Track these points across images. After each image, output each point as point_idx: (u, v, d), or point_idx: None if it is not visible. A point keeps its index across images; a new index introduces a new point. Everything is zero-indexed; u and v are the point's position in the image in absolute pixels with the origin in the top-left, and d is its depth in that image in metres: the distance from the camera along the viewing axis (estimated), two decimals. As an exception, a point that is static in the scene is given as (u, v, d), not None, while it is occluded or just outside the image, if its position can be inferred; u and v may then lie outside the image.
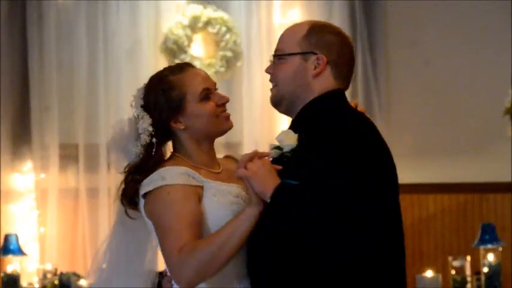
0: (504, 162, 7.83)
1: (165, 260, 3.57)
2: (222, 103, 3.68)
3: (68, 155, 8.07)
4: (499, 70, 7.58)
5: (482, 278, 6.97)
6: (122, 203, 3.67)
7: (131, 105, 3.72)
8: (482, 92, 7.73)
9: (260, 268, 3.69)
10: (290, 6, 8.16)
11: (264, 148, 7.45)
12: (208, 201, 3.57)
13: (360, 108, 3.85)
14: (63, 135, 8.07)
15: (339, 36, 3.73)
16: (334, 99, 3.67)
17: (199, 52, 8.01)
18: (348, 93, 8.41)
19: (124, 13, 8.09)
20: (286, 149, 3.56)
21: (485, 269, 6.96)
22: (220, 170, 3.75)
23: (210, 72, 7.76)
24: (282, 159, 3.60)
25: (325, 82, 3.61)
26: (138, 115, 3.65)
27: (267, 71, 3.76)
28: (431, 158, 8.24)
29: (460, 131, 7.98)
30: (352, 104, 3.78)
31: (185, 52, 8.02)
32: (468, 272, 7.00)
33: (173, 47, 7.92)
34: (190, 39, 7.97)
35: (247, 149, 7.96)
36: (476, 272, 7.00)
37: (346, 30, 7.84)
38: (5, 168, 7.56)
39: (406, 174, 7.90)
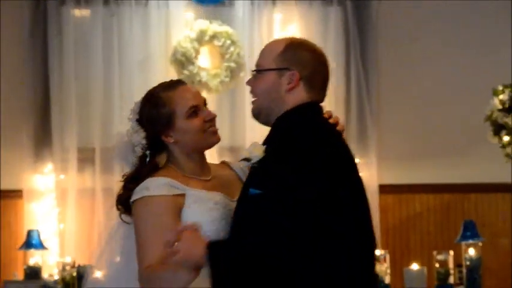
0: (484, 164, 7.82)
1: (138, 269, 3.58)
2: (210, 119, 3.68)
3: (86, 158, 8.06)
4: (481, 81, 7.54)
5: (464, 270, 6.97)
6: (118, 208, 3.68)
7: (128, 119, 3.73)
8: (465, 100, 7.70)
9: (235, 281, 3.58)
10: (289, 20, 8.09)
11: None
12: (188, 209, 3.56)
13: (334, 118, 3.77)
14: (81, 139, 8.03)
15: (313, 53, 3.69)
16: (305, 111, 3.62)
17: (205, 63, 7.92)
18: (341, 99, 8.34)
19: (137, 27, 7.99)
20: (254, 160, 3.55)
21: (467, 263, 6.96)
22: (209, 178, 3.73)
23: (215, 81, 8.09)
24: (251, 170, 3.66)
25: (298, 96, 3.57)
26: (133, 128, 3.66)
27: (247, 83, 3.74)
28: (418, 161, 8.18)
29: (445, 136, 7.96)
30: (326, 114, 3.72)
31: (193, 63, 7.91)
32: (451, 265, 6.98)
33: (182, 59, 7.83)
34: (197, 52, 7.87)
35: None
36: (458, 265, 6.99)
37: (340, 41, 8.47)
38: (28, 169, 7.60)
39: (394, 176, 8.10)
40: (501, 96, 7.15)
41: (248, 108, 7.56)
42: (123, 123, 4.00)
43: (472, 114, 7.42)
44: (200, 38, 7.96)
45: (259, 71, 3.68)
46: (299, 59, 3.62)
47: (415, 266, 7.11)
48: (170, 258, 3.35)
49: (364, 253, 3.52)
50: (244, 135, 8.19)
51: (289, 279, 3.44)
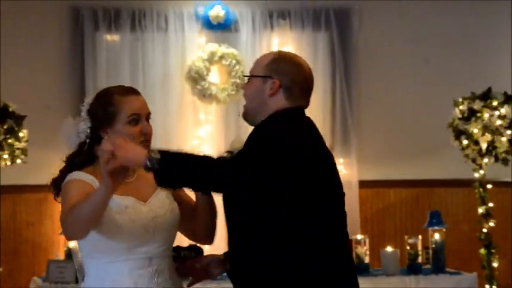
0: (447, 163, 7.74)
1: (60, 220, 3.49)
2: (145, 132, 3.57)
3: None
4: (444, 93, 7.52)
5: (430, 252, 6.99)
6: (52, 190, 3.58)
7: (82, 107, 3.63)
8: (432, 110, 7.69)
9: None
10: (284, 44, 8.02)
11: None
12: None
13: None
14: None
15: (295, 65, 3.67)
16: (284, 117, 3.58)
17: (215, 79, 7.88)
18: (328, 109, 8.41)
19: (158, 50, 7.95)
20: (235, 152, 3.54)
21: (433, 245, 6.98)
22: (132, 180, 3.58)
23: (223, 94, 8.02)
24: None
25: (278, 102, 3.56)
26: (82, 116, 3.56)
27: (241, 87, 3.80)
28: (392, 160, 8.16)
29: (415, 139, 7.96)
30: None
31: (204, 80, 7.84)
32: (420, 247, 6.96)
33: (195, 76, 7.79)
34: (208, 70, 7.82)
35: None
36: (425, 247, 7.00)
37: (327, 60, 8.37)
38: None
39: (372, 173, 8.50)
40: (461, 107, 7.18)
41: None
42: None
43: (438, 121, 7.41)
44: (211, 59, 7.90)
45: (248, 76, 3.70)
46: (281, 69, 3.60)
47: (389, 249, 7.08)
48: (110, 161, 3.23)
49: (339, 254, 3.52)
50: (245, 138, 8.01)
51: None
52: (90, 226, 3.36)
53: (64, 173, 3.56)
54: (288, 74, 3.60)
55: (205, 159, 3.51)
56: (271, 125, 3.57)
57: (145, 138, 3.51)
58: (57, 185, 3.55)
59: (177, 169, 3.34)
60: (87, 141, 3.53)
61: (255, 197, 3.45)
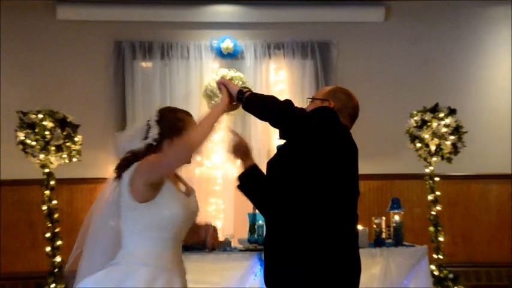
0: (405, 161, 7.68)
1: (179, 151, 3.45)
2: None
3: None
4: (404, 108, 7.45)
5: (392, 229, 6.95)
6: (116, 172, 3.50)
7: (151, 118, 3.58)
8: (393, 121, 7.59)
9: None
10: (279, 69, 8.13)
11: (263, 153, 7.94)
12: (164, 189, 3.39)
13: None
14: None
15: (348, 96, 3.76)
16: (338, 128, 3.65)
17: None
18: None
19: (182, 73, 7.98)
20: (279, 147, 3.72)
21: (393, 224, 6.94)
22: (181, 180, 3.61)
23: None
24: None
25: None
26: (151, 125, 3.49)
27: (306, 107, 3.79)
28: (363, 159, 7.39)
29: (381, 143, 7.97)
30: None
31: (217, 96, 7.62)
32: (383, 226, 6.93)
33: (210, 94, 7.87)
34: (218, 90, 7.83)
35: (257, 156, 7.96)
36: (388, 226, 6.96)
37: (312, 81, 8.21)
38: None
39: None
40: (415, 118, 7.21)
41: (253, 125, 8.06)
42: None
43: (397, 129, 7.37)
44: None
45: (311, 99, 3.79)
46: (337, 96, 3.69)
47: (360, 227, 6.75)
48: (222, 88, 3.45)
49: (350, 226, 3.55)
50: (250, 141, 7.33)
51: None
52: (208, 136, 3.42)
53: (129, 162, 3.48)
54: (341, 100, 3.69)
55: (280, 101, 3.52)
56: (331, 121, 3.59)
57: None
58: (120, 170, 3.47)
59: (258, 101, 3.44)
60: (154, 143, 3.47)
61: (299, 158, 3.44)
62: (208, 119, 3.39)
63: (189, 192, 3.55)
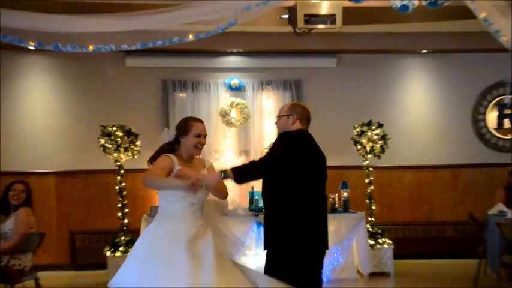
0: (351, 157, 7.61)
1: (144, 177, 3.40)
2: (201, 143, 3.53)
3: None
4: (351, 122, 7.46)
5: (342, 202, 6.97)
6: (150, 161, 3.51)
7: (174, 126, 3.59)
8: (344, 130, 7.53)
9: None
10: (269, 97, 8.11)
11: (258, 152, 7.84)
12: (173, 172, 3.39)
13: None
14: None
15: (303, 108, 3.75)
16: (301, 132, 3.65)
17: (234, 115, 7.96)
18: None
19: (205, 100, 7.97)
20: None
21: (343, 198, 7.02)
22: (191, 165, 3.52)
23: (237, 123, 7.95)
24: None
25: (297, 126, 3.66)
26: (173, 130, 3.57)
27: (275, 122, 3.79)
28: (325, 155, 7.95)
29: (336, 145, 7.56)
30: None
31: (228, 115, 7.92)
32: (336, 199, 7.01)
33: (223, 114, 7.96)
34: (230, 111, 7.94)
35: (253, 154, 7.93)
36: (339, 199, 7.02)
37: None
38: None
39: None
40: (357, 129, 7.33)
41: (252, 134, 8.07)
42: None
43: (346, 137, 7.43)
44: (231, 105, 7.97)
45: (279, 116, 3.75)
46: (297, 110, 3.68)
47: None
48: (197, 187, 3.23)
49: (319, 203, 3.59)
50: (250, 146, 8.06)
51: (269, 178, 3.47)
52: (156, 187, 3.47)
53: (157, 154, 3.51)
54: (299, 112, 3.68)
55: (251, 163, 3.53)
56: (287, 136, 3.58)
57: (200, 146, 3.53)
58: (152, 159, 3.51)
59: (241, 173, 3.38)
60: (172, 140, 3.53)
61: (277, 174, 3.42)
62: (165, 182, 3.32)
63: (198, 169, 3.47)
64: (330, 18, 5.93)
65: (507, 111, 8.50)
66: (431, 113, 8.45)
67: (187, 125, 3.53)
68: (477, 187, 8.26)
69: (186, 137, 3.49)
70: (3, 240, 5.00)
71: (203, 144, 3.55)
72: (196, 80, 8.01)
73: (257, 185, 7.53)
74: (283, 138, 3.53)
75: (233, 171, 3.34)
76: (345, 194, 7.13)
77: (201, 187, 3.30)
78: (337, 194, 7.11)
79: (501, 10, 4.43)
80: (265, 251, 3.58)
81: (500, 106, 8.48)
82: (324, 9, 5.98)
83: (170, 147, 3.50)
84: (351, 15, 6.06)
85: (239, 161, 7.91)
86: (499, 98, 8.50)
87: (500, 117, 8.49)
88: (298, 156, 3.47)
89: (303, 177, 3.48)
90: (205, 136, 3.58)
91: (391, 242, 7.30)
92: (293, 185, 3.46)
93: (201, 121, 3.61)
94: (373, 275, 6.97)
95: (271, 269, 3.47)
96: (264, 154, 8.16)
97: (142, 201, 7.41)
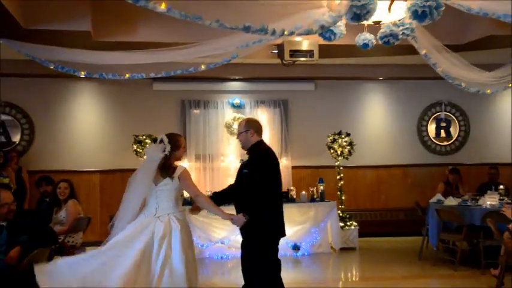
0: (326, 159, 7.51)
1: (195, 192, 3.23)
2: (184, 153, 3.42)
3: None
4: (325, 132, 7.40)
5: (319, 193, 6.98)
6: (169, 176, 3.23)
7: (163, 141, 3.27)
8: (321, 138, 7.43)
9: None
10: (263, 113, 7.99)
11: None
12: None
13: None
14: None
15: (257, 122, 3.55)
16: (260, 143, 3.46)
17: (235, 127, 7.40)
18: (278, 138, 7.90)
19: (213, 116, 7.85)
20: (244, 161, 3.50)
21: (320, 191, 6.98)
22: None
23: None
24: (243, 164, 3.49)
25: (255, 139, 3.46)
26: (166, 144, 3.27)
27: (237, 137, 3.58)
28: (305, 158, 8.03)
29: (314, 149, 7.81)
30: None
31: (232, 127, 7.77)
32: (315, 192, 6.98)
33: (228, 125, 7.85)
34: (233, 123, 7.78)
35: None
36: (317, 191, 6.96)
37: (279, 120, 7.93)
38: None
39: (297, 162, 8.08)
40: (330, 137, 7.30)
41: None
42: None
43: (322, 142, 7.35)
44: (234, 119, 7.82)
45: (240, 133, 3.55)
46: (252, 125, 3.49)
47: (303, 192, 7.04)
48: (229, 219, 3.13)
49: (276, 195, 3.41)
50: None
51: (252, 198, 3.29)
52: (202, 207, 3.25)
53: (170, 165, 3.27)
54: (254, 126, 3.51)
55: (259, 204, 3.24)
56: (256, 149, 3.44)
57: (185, 155, 3.42)
58: (172, 171, 3.26)
59: (259, 213, 3.18)
60: (167, 155, 3.25)
61: (251, 181, 3.28)
62: (211, 207, 3.20)
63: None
64: (309, 53, 6.00)
65: (443, 124, 8.55)
66: (386, 125, 8.45)
67: (178, 141, 3.38)
68: (421, 182, 8.26)
69: (178, 150, 3.34)
70: (60, 225, 5.19)
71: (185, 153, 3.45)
72: (207, 99, 7.98)
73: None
74: (260, 162, 3.30)
75: (253, 214, 3.19)
76: (321, 187, 7.11)
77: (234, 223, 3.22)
78: (315, 188, 7.11)
79: (437, 48, 4.53)
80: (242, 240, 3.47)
81: (438, 120, 8.55)
82: (305, 46, 6.04)
83: (169, 158, 3.25)
84: (325, 50, 6.12)
85: (238, 161, 7.85)
86: (437, 114, 8.57)
87: (438, 129, 8.54)
88: (274, 171, 3.35)
89: (276, 184, 3.37)
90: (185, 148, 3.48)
91: (356, 224, 7.28)
92: (269, 192, 3.32)
93: (183, 137, 3.53)
94: (342, 249, 6.99)
95: (246, 253, 3.38)
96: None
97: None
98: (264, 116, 8.10)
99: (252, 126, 3.49)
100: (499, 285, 4.32)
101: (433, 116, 8.53)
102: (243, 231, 3.33)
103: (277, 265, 3.33)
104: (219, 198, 3.37)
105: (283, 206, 3.42)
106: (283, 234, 3.39)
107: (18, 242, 3.39)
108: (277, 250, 3.36)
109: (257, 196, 3.23)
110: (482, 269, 5.30)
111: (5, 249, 3.37)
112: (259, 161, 3.33)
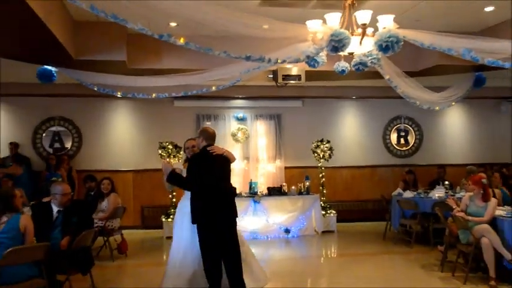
0: (310, 161, 7.29)
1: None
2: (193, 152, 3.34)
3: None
4: (311, 139, 7.25)
5: (305, 188, 6.80)
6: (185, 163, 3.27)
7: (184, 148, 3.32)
8: (307, 144, 7.31)
9: None
10: (262, 124, 7.90)
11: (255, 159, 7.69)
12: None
13: (214, 150, 3.22)
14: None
15: (207, 131, 3.34)
16: (205, 148, 3.27)
17: (239, 135, 7.76)
18: (273, 144, 7.75)
19: (222, 127, 7.75)
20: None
21: (306, 186, 6.78)
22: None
23: (242, 140, 7.67)
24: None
25: (203, 144, 3.32)
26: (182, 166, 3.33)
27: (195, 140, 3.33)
28: (295, 159, 7.93)
29: (301, 152, 7.67)
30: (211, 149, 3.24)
31: (236, 136, 7.73)
32: (303, 186, 6.80)
33: (233, 135, 7.80)
34: (237, 133, 7.76)
35: (251, 159, 7.88)
36: (304, 186, 6.79)
37: (274, 130, 7.82)
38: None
39: (289, 163, 7.96)
40: (314, 144, 7.03)
41: (251, 146, 7.71)
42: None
43: (308, 147, 7.22)
44: (238, 129, 7.79)
45: (195, 138, 3.46)
46: (203, 133, 3.34)
47: (293, 187, 6.84)
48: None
49: (208, 197, 3.13)
50: (249, 155, 7.74)
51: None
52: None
53: (186, 159, 3.35)
54: (204, 134, 3.35)
55: (183, 179, 3.12)
56: (202, 151, 3.28)
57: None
58: (185, 161, 3.31)
59: (173, 179, 3.13)
60: (188, 157, 3.39)
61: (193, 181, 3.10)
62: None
63: None
64: (298, 77, 6.00)
65: (402, 133, 8.59)
66: (358, 135, 8.41)
67: (185, 144, 3.43)
68: (386, 179, 8.29)
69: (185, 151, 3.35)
70: (102, 212, 5.31)
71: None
72: (217, 114, 7.93)
73: (254, 177, 7.56)
74: (190, 160, 3.25)
75: (172, 173, 3.07)
76: (307, 183, 7.01)
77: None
78: (302, 183, 6.99)
79: (398, 74, 4.58)
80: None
81: (398, 130, 8.58)
82: (294, 72, 6.04)
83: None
84: (310, 75, 6.08)
85: (243, 164, 7.70)
86: (397, 125, 8.60)
87: (398, 137, 8.57)
88: (197, 167, 3.16)
89: (202, 178, 3.15)
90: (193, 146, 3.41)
91: (335, 212, 7.18)
92: (194, 185, 3.17)
93: (191, 139, 3.43)
94: (324, 232, 6.93)
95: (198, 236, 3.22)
96: (257, 155, 7.64)
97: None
98: (262, 127, 8.07)
99: (202, 134, 3.35)
100: (444, 258, 4.46)
101: (395, 127, 8.59)
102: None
103: (213, 255, 3.10)
104: (174, 177, 3.23)
105: (219, 201, 3.16)
106: (212, 228, 3.07)
107: (71, 224, 3.46)
108: (212, 240, 3.09)
109: (186, 187, 3.18)
110: (432, 246, 5.42)
111: (60, 229, 3.44)
112: (191, 159, 3.30)
